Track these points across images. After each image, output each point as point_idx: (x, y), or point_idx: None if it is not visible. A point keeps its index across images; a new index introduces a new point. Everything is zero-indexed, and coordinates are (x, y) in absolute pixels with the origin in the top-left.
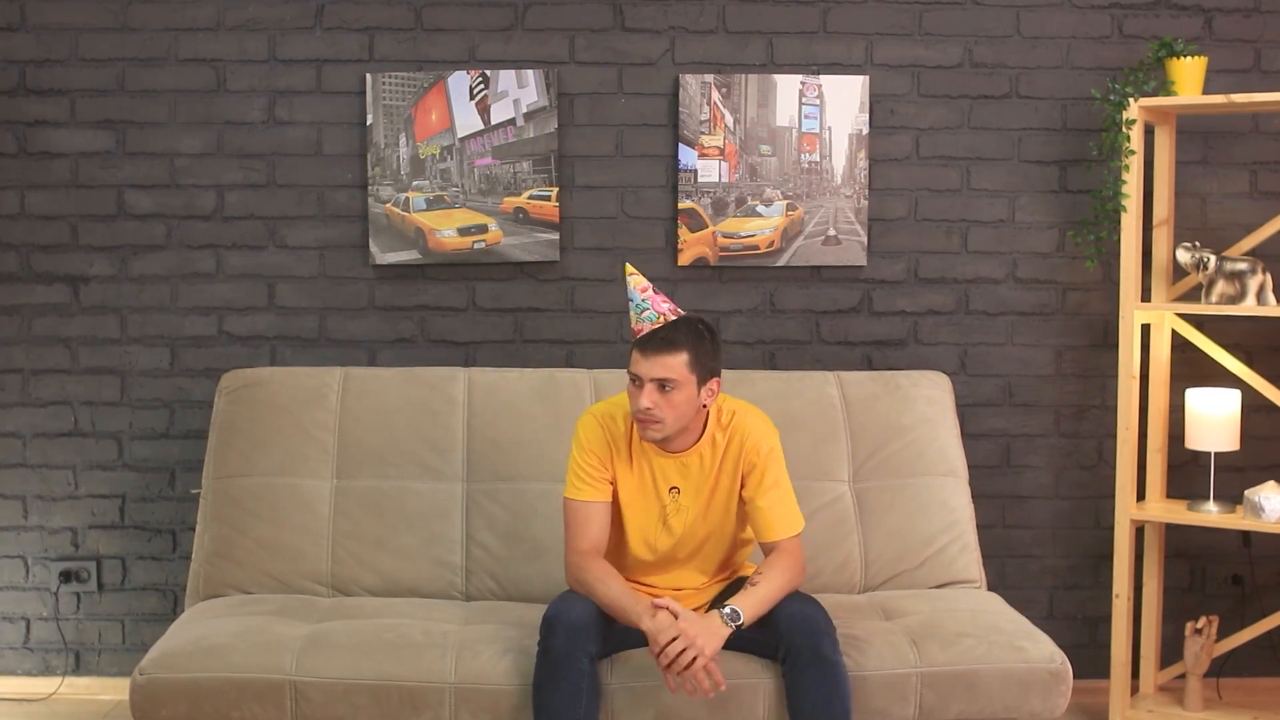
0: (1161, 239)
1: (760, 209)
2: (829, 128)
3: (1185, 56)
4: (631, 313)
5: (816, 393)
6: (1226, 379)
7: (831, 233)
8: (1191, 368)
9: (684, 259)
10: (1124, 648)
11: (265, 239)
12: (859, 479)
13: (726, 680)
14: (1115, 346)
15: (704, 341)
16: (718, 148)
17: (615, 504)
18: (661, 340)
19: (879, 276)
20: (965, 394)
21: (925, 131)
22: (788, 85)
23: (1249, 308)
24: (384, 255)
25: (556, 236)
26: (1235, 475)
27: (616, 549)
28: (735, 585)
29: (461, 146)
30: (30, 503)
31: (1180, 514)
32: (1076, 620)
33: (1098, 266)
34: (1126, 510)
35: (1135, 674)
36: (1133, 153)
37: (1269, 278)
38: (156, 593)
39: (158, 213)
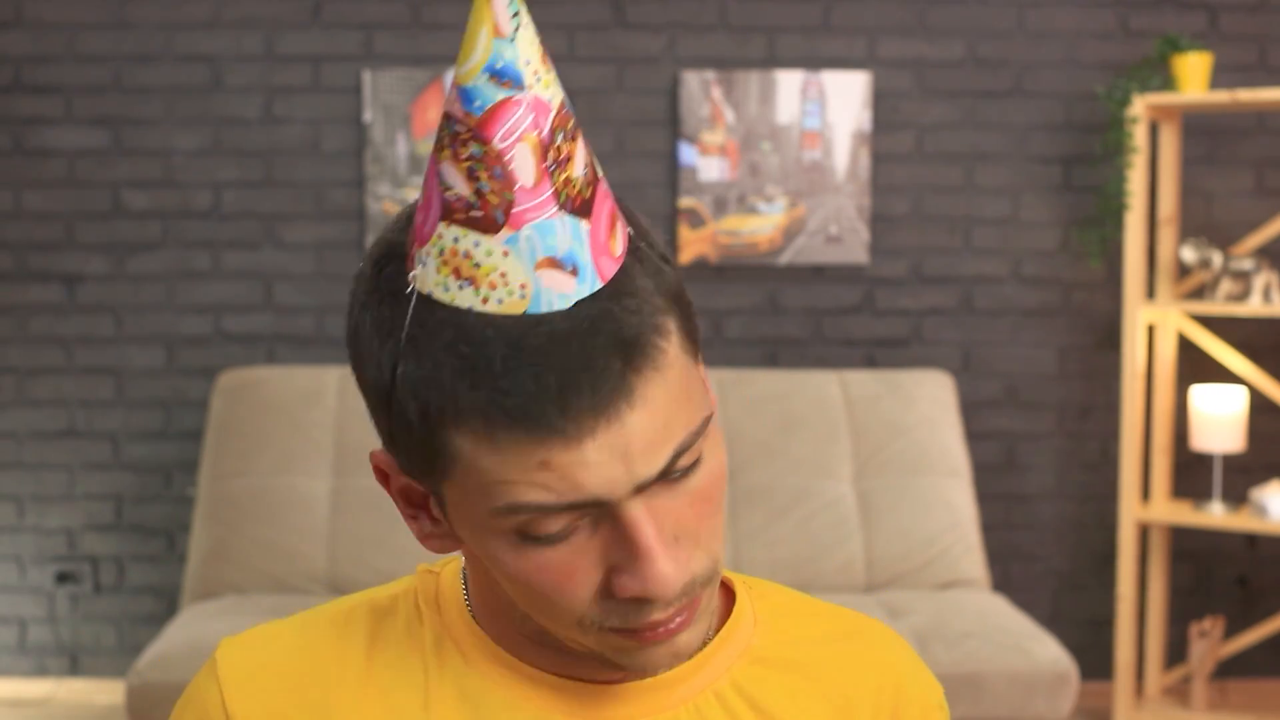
0: (1166, 237)
1: (761, 207)
2: (831, 125)
3: (1190, 53)
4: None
5: (818, 392)
6: (1231, 379)
7: (833, 231)
8: (1196, 367)
9: (684, 258)
10: (1129, 649)
11: (262, 237)
12: (861, 478)
13: None
14: (1119, 346)
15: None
16: (718, 145)
17: None
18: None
19: (881, 275)
20: (968, 393)
21: (928, 129)
22: (789, 82)
23: (1255, 307)
24: None
25: None
26: (1241, 476)
27: None
28: None
29: None
30: (25, 503)
31: (1185, 515)
32: (1081, 622)
33: (1102, 265)
34: (1131, 511)
35: (1140, 676)
36: (1137, 150)
37: (1275, 276)
38: (153, 594)
39: (154, 211)
